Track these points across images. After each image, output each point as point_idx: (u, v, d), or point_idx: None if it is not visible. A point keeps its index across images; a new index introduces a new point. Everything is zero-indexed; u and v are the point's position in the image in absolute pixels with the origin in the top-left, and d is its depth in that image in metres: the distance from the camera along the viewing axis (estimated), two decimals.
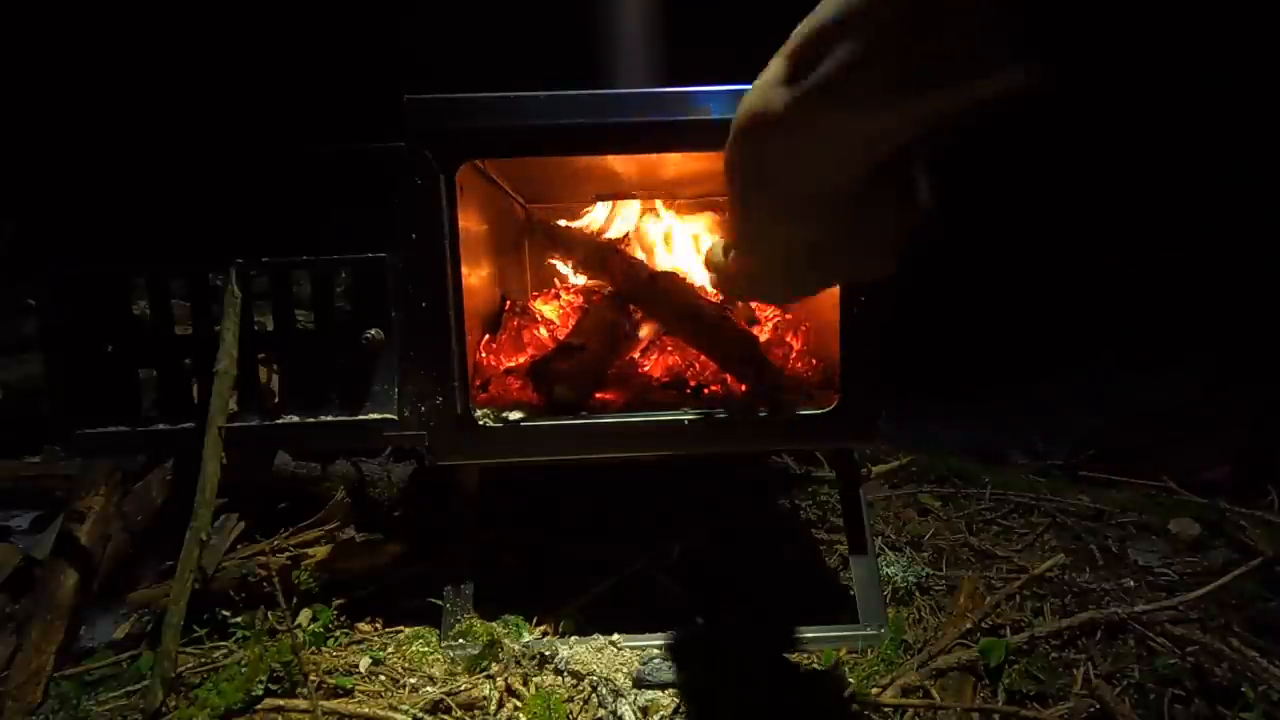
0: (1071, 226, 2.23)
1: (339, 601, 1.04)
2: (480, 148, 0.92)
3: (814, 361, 1.15)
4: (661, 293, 1.13)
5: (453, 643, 0.95)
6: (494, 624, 0.97)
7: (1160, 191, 2.08)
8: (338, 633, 1.00)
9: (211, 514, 0.87)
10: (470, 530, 1.04)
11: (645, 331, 1.20)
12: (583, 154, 1.07)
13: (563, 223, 1.41)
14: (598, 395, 1.05)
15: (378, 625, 1.03)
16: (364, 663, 0.92)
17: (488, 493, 1.09)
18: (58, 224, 0.89)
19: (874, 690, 0.87)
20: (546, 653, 0.91)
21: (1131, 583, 1.14)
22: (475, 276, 1.11)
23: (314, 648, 0.95)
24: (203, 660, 0.93)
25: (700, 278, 1.28)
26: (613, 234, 1.42)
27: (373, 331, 0.91)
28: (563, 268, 1.47)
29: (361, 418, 0.92)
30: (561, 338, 1.18)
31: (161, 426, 0.91)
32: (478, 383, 1.08)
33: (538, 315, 1.30)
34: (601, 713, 0.84)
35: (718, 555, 1.18)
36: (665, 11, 1.10)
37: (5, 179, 0.89)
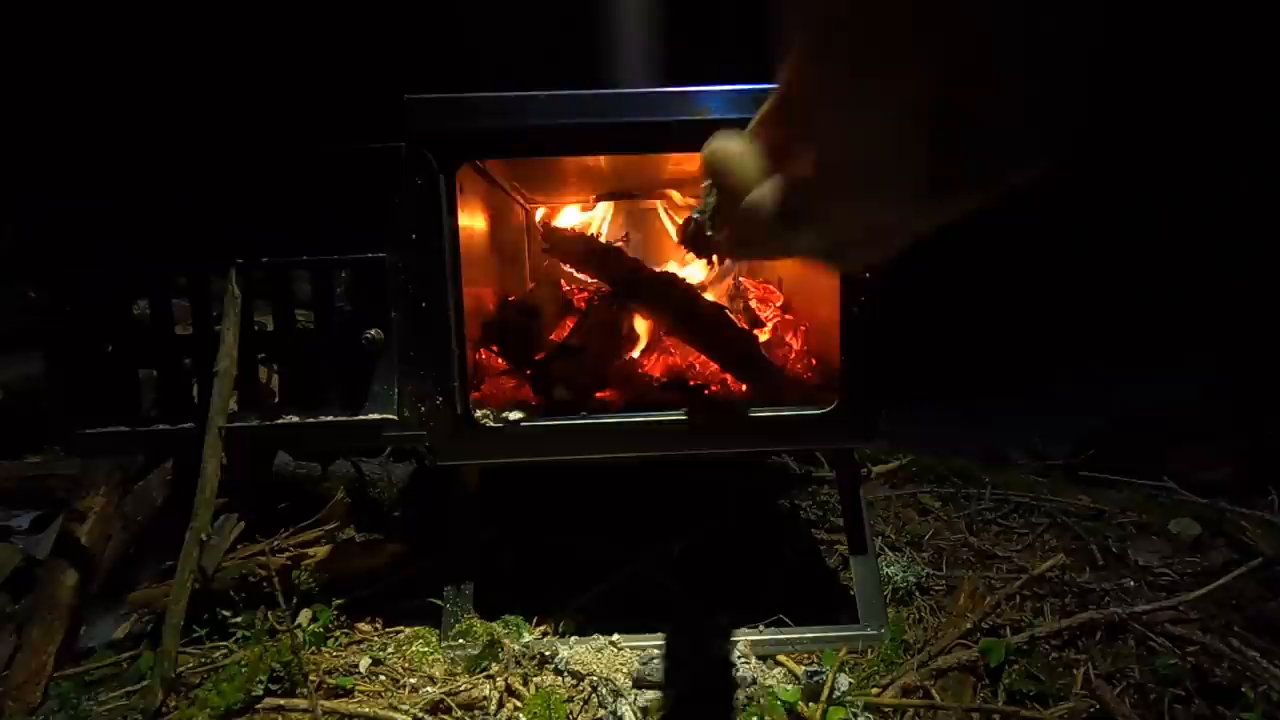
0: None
1: (339, 601, 1.04)
2: (480, 148, 0.92)
3: (814, 361, 1.15)
4: (661, 292, 1.13)
5: (453, 643, 0.95)
6: (494, 624, 0.97)
7: None
8: (338, 633, 1.00)
9: (211, 514, 0.87)
10: (470, 530, 1.04)
11: (645, 332, 1.20)
12: (583, 154, 1.07)
13: (563, 223, 1.41)
14: (598, 395, 1.05)
15: (378, 625, 1.03)
16: (364, 663, 0.92)
17: (488, 493, 1.09)
18: (58, 224, 0.89)
19: (874, 690, 0.87)
20: (546, 653, 0.91)
21: (1131, 583, 1.14)
22: (475, 276, 1.11)
23: (314, 648, 0.95)
24: (203, 660, 0.93)
25: (699, 276, 1.27)
26: (613, 234, 1.42)
27: (373, 331, 0.91)
28: (563, 268, 1.47)
29: (361, 418, 0.92)
30: (561, 338, 1.18)
31: (161, 426, 0.91)
32: (476, 383, 1.08)
33: None
34: (601, 713, 0.83)
35: (718, 555, 1.18)
36: (666, 11, 1.10)
37: (5, 179, 0.89)
